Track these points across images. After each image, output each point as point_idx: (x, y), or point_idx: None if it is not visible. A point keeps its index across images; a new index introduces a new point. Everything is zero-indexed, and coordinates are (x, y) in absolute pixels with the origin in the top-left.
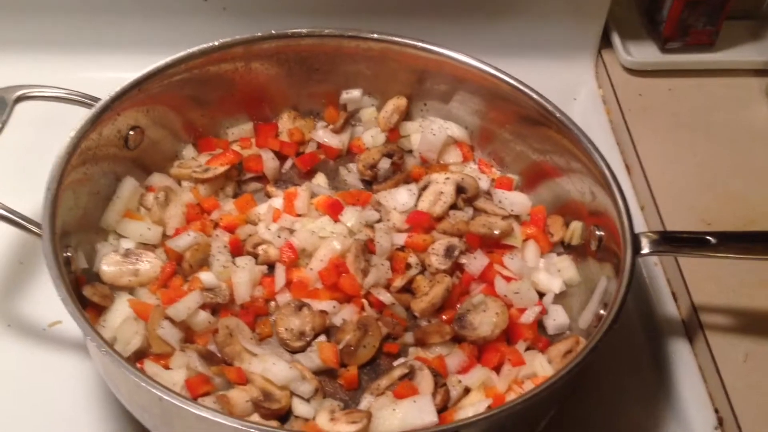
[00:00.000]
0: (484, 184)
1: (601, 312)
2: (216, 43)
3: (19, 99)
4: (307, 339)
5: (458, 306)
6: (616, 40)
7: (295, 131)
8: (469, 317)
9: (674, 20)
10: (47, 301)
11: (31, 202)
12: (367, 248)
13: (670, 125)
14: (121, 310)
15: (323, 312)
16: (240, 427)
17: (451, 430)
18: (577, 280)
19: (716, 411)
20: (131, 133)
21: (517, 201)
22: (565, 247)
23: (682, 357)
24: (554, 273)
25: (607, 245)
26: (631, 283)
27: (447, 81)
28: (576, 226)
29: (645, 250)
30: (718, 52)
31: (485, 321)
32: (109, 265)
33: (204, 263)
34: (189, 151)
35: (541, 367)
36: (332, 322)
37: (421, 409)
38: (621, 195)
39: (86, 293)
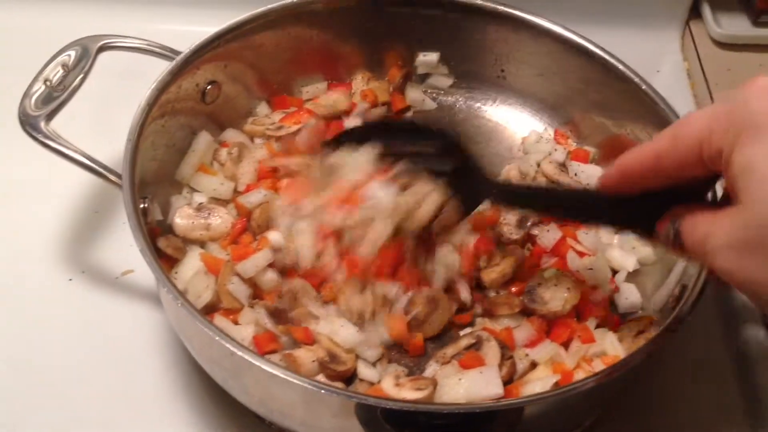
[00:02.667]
0: (559, 155)
1: (677, 293)
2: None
3: (102, 48)
4: (365, 319)
5: (529, 279)
6: (706, 10)
7: (369, 92)
8: (539, 291)
9: None
10: (120, 250)
11: (109, 151)
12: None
13: None
14: (192, 264)
15: (386, 298)
16: (308, 386)
17: (517, 405)
18: (652, 259)
19: None
20: (209, 87)
21: (594, 174)
22: None
23: (758, 343)
24: (628, 250)
25: None
26: None
27: (527, 47)
28: None
29: None
30: None
31: (556, 296)
32: (182, 218)
33: (272, 222)
34: (263, 109)
35: (611, 346)
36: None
37: (487, 380)
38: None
39: (160, 245)
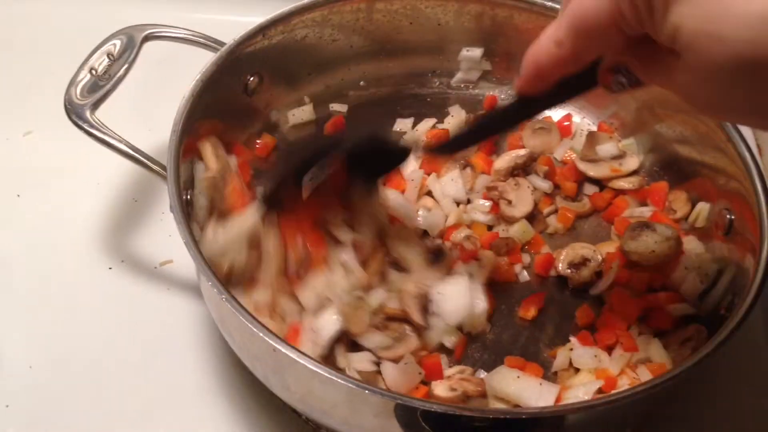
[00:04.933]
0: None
1: (728, 301)
2: None
3: (147, 38)
4: None
5: None
6: None
7: None
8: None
9: None
10: (159, 239)
11: (152, 141)
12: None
13: None
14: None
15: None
16: (351, 385)
17: (560, 413)
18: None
19: None
20: (251, 79)
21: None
22: (688, 227)
23: None
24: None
25: (737, 230)
26: (766, 278)
27: None
28: (703, 207)
29: None
30: None
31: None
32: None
33: None
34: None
35: (657, 353)
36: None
37: (544, 393)
38: (761, 179)
39: None
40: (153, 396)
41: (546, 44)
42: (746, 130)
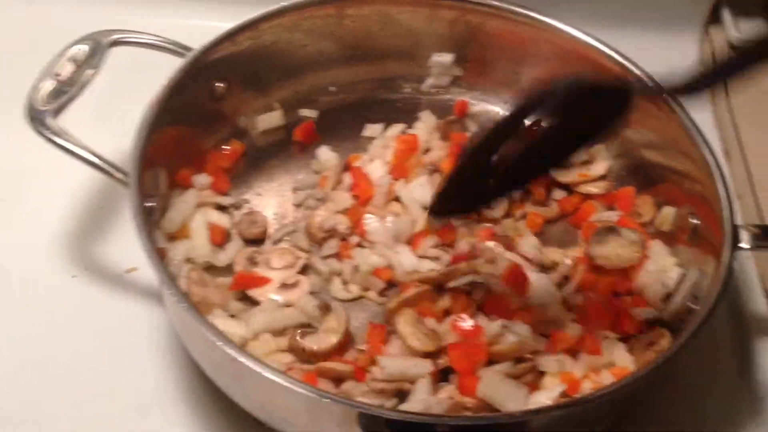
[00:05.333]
0: None
1: (690, 306)
2: None
3: (114, 43)
4: None
5: None
6: (726, 15)
7: None
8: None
9: None
10: (125, 246)
11: (118, 148)
12: None
13: None
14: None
15: None
16: (310, 394)
17: (522, 419)
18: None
19: None
20: (218, 85)
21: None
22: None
23: None
24: None
25: (700, 234)
26: (728, 279)
27: (543, 50)
28: (668, 211)
29: (744, 244)
30: None
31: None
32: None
33: None
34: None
35: (621, 357)
36: None
37: (519, 398)
38: (724, 184)
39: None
40: (117, 404)
41: None
42: (712, 136)
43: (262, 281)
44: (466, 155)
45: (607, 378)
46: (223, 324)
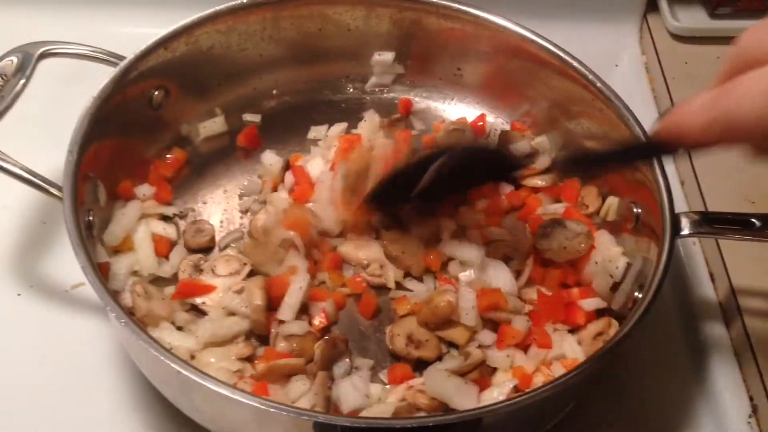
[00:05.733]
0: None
1: (636, 294)
2: (245, 0)
3: (43, 55)
4: None
5: None
6: (662, 4)
7: None
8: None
9: None
10: (70, 262)
11: (53, 162)
12: None
13: None
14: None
15: None
16: (257, 404)
17: (473, 417)
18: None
19: (751, 399)
20: (156, 93)
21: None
22: (600, 221)
23: (718, 341)
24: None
25: (644, 222)
26: (669, 266)
27: (483, 45)
28: (612, 201)
29: (685, 231)
30: None
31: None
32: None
33: None
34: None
35: (570, 349)
36: None
37: (469, 395)
38: (662, 172)
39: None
40: (67, 421)
41: (695, 117)
42: (649, 124)
43: (207, 289)
44: (401, 166)
45: (558, 370)
46: (170, 336)
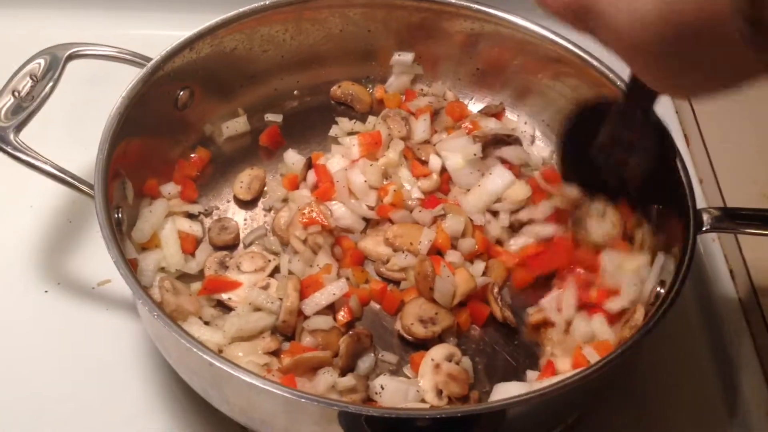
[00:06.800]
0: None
1: (659, 289)
2: (267, 2)
3: (71, 57)
4: None
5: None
6: None
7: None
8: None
9: None
10: (96, 259)
11: (83, 161)
12: None
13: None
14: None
15: None
16: (288, 395)
17: (499, 408)
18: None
19: None
20: (181, 93)
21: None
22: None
23: (739, 338)
24: None
25: (664, 219)
26: (692, 262)
27: (502, 44)
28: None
29: (706, 227)
30: None
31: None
32: None
33: None
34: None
35: (602, 330)
36: None
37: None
38: (683, 168)
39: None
40: (95, 416)
41: None
42: (672, 121)
43: (233, 285)
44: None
45: (591, 355)
46: (198, 331)
